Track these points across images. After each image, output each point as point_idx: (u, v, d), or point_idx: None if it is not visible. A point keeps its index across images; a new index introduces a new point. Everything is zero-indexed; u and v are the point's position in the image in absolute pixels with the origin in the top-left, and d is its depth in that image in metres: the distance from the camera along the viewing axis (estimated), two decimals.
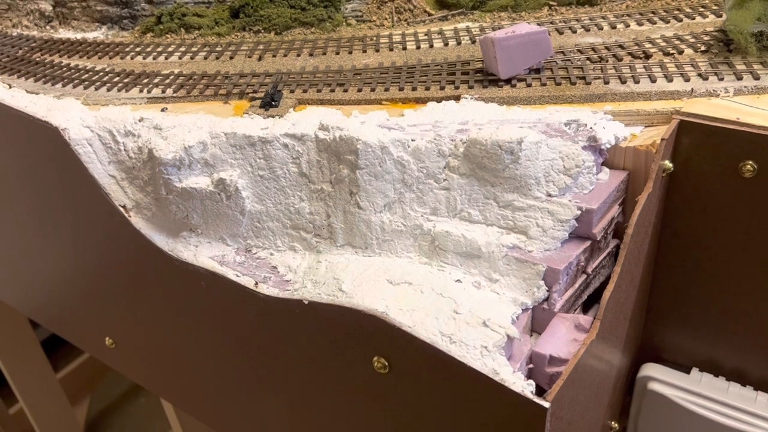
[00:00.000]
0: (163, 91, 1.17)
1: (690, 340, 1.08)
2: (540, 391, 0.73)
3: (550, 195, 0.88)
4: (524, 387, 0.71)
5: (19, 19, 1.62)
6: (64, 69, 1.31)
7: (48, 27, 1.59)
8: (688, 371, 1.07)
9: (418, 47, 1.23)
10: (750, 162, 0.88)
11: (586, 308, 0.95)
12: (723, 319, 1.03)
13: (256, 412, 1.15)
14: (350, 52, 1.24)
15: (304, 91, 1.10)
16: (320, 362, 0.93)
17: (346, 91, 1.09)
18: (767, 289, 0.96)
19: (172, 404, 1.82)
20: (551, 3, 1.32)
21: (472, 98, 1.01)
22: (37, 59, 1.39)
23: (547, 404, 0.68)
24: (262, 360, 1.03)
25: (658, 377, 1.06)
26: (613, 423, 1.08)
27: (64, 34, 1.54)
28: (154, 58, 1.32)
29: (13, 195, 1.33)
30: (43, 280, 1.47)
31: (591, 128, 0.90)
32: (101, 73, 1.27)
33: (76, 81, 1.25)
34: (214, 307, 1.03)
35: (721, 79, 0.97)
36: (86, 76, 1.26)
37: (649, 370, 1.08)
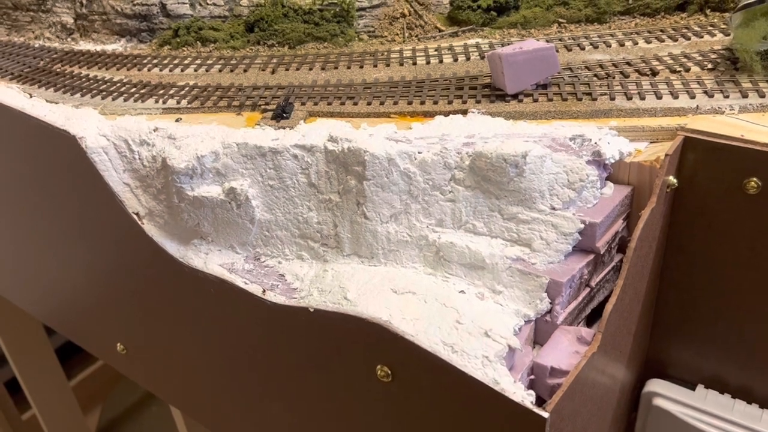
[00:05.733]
0: (178, 102, 1.19)
1: (696, 356, 1.07)
2: (541, 402, 0.73)
3: (554, 208, 0.89)
4: (524, 397, 0.72)
5: (41, 31, 1.67)
6: (83, 80, 1.34)
7: (69, 39, 1.63)
8: (693, 388, 1.06)
9: (428, 62, 1.25)
10: (754, 179, 0.88)
11: (590, 322, 0.96)
12: (729, 335, 1.02)
13: (264, 419, 1.16)
14: (361, 67, 1.26)
15: (315, 104, 1.12)
16: (325, 370, 0.94)
17: (355, 104, 1.11)
18: None
19: (180, 411, 1.83)
20: (560, 20, 1.33)
21: (479, 112, 1.03)
22: (58, 70, 1.42)
23: (546, 414, 0.68)
24: (269, 367, 1.04)
25: (663, 393, 1.06)
26: None
27: (84, 46, 1.57)
28: (170, 70, 1.35)
29: (30, 201, 1.36)
30: (58, 286, 1.50)
31: (596, 143, 0.91)
32: (119, 84, 1.29)
33: (94, 91, 1.28)
34: (223, 314, 1.04)
35: (727, 97, 0.97)
36: (104, 86, 1.29)
37: (655, 386, 1.07)
